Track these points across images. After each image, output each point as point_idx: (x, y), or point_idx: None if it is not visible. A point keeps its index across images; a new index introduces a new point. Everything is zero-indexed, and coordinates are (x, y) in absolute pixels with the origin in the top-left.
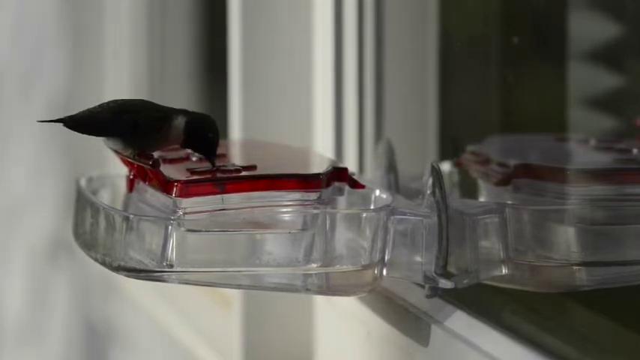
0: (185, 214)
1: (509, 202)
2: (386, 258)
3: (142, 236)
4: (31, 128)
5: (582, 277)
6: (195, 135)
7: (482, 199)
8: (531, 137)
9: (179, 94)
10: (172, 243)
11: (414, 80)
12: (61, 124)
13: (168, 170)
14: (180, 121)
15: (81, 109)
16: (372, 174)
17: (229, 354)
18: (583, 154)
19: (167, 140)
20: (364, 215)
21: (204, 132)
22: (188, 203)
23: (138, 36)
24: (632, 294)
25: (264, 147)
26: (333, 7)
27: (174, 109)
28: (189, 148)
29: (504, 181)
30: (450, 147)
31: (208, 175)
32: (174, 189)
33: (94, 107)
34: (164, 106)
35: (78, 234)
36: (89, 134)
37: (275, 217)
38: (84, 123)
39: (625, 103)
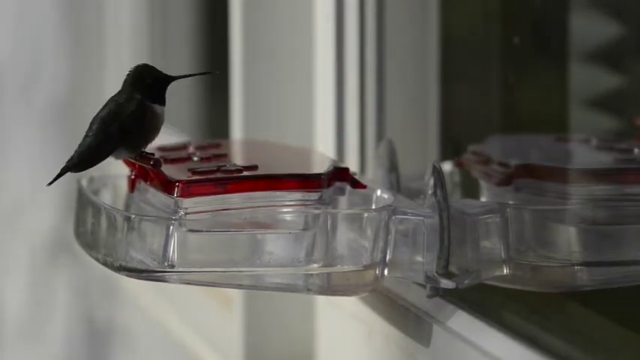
0: (186, 214)
1: (511, 202)
2: (387, 258)
3: (144, 236)
4: (31, 128)
5: (583, 277)
6: (153, 91)
7: (483, 199)
8: (532, 137)
9: (180, 95)
10: (174, 243)
11: (415, 80)
12: (68, 173)
13: (169, 170)
14: (141, 99)
15: (81, 109)
16: (373, 174)
17: (230, 354)
18: (584, 154)
19: (159, 120)
20: (365, 215)
21: (148, 79)
22: (189, 203)
23: (138, 36)
24: (632, 294)
25: (265, 147)
26: (334, 7)
27: (129, 86)
28: (160, 103)
29: (505, 181)
30: (451, 147)
31: (210, 175)
32: (176, 189)
33: (83, 140)
34: (126, 89)
35: (79, 234)
36: (96, 164)
37: (276, 217)
38: (85, 160)
39: (625, 103)
